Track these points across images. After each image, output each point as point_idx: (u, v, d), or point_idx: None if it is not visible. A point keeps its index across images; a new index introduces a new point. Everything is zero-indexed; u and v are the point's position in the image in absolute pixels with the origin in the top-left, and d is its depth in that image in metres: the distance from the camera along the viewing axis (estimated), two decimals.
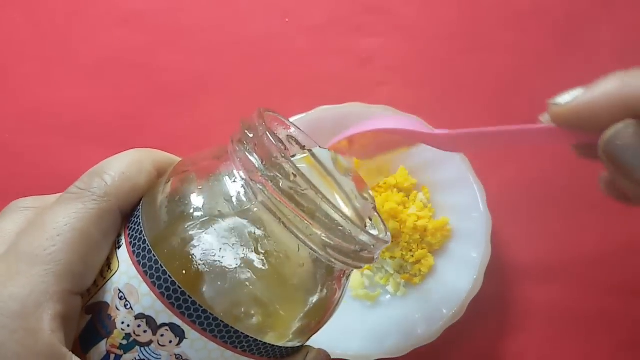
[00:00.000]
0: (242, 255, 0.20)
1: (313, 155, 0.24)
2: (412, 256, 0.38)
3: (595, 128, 0.21)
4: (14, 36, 0.46)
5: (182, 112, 0.44)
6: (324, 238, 0.20)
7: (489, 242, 0.37)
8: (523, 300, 0.39)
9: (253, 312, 0.20)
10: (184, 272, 0.19)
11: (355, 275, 0.38)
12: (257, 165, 0.20)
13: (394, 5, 0.47)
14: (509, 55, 0.46)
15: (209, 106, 0.44)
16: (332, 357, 0.35)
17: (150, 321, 0.19)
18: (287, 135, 0.25)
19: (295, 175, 0.20)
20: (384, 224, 0.25)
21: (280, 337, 0.22)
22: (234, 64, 0.45)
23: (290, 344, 0.22)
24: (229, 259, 0.20)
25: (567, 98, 0.22)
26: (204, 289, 0.20)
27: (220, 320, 0.20)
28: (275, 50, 0.46)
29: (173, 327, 0.19)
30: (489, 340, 0.38)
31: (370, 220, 0.25)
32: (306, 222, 0.20)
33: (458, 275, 0.37)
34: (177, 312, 0.19)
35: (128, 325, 0.20)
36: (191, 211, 0.20)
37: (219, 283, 0.20)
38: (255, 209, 0.20)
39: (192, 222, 0.20)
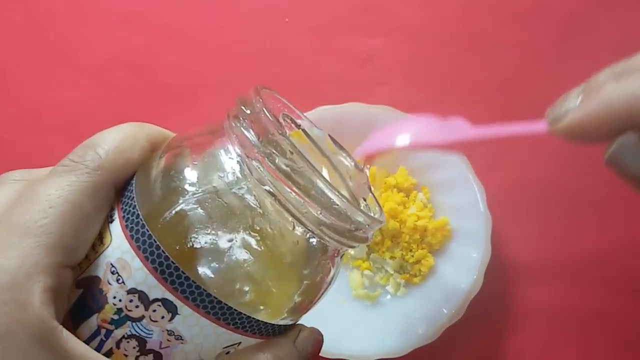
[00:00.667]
0: (237, 232, 0.20)
1: (306, 134, 0.24)
2: (412, 256, 0.38)
3: (597, 141, 0.21)
4: (14, 36, 0.46)
5: (182, 112, 0.44)
6: (319, 216, 0.20)
7: (489, 242, 0.37)
8: (523, 300, 0.39)
9: (247, 289, 0.20)
10: (177, 247, 0.19)
11: (355, 275, 0.38)
12: (253, 142, 0.20)
13: (394, 5, 0.47)
14: (509, 55, 0.46)
15: (209, 106, 0.44)
16: (332, 357, 0.35)
17: (142, 296, 0.19)
18: (282, 114, 0.24)
19: (292, 153, 0.19)
20: (379, 205, 0.25)
21: (273, 315, 0.21)
22: (234, 64, 0.45)
23: (282, 322, 0.22)
24: (223, 236, 0.19)
25: (562, 112, 0.21)
26: (197, 265, 0.19)
27: (214, 297, 0.19)
28: (275, 50, 0.46)
29: (165, 303, 0.19)
30: (489, 340, 0.38)
31: (365, 200, 0.25)
32: (302, 199, 0.19)
33: (458, 275, 0.37)
34: (169, 287, 0.19)
35: (120, 300, 0.19)
36: (185, 186, 0.20)
37: (213, 259, 0.19)
38: (251, 186, 0.20)
39: (187, 197, 0.20)
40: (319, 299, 0.23)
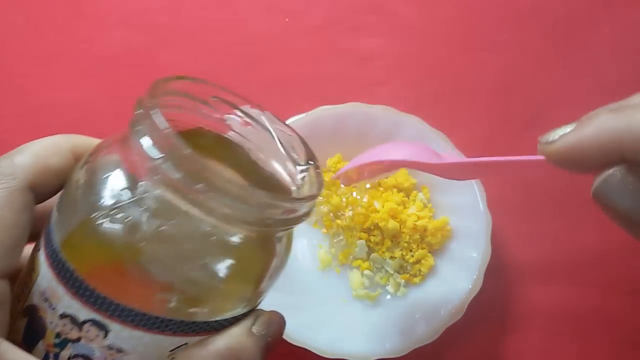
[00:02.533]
0: (150, 244, 0.19)
1: (245, 112, 0.24)
2: (412, 256, 0.38)
3: (587, 169, 0.21)
4: (14, 36, 0.46)
5: None
6: (229, 214, 0.19)
7: (489, 242, 0.37)
8: (523, 300, 0.39)
9: (169, 298, 0.20)
10: (91, 268, 0.19)
11: (355, 275, 0.38)
12: (147, 149, 0.19)
13: (393, 5, 0.47)
14: (509, 55, 0.46)
15: None
16: (332, 357, 0.35)
17: (73, 319, 0.19)
18: (212, 97, 0.23)
19: (190, 159, 0.18)
20: (319, 177, 0.23)
21: (213, 313, 0.21)
22: (234, 64, 0.45)
23: (230, 315, 0.21)
24: (136, 249, 0.19)
25: (556, 137, 0.21)
26: (113, 283, 0.19)
27: (139, 311, 0.19)
28: (275, 50, 0.46)
29: (95, 323, 0.19)
30: (489, 340, 0.38)
31: (305, 174, 0.23)
32: (208, 203, 0.19)
33: (458, 275, 0.37)
34: (93, 308, 0.19)
35: (56, 325, 0.20)
36: (92, 204, 0.19)
37: (129, 275, 0.19)
38: (156, 195, 0.19)
39: (94, 216, 0.19)
40: (269, 283, 0.22)
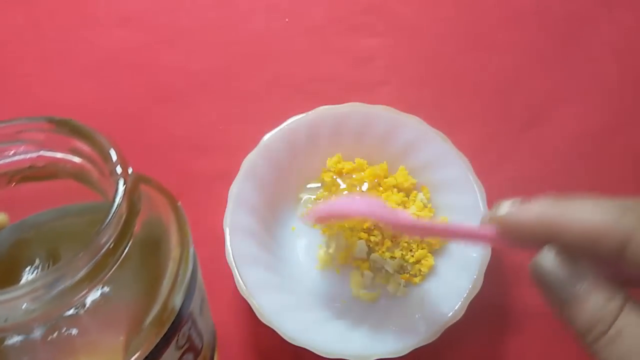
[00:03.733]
0: None
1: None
2: (412, 256, 0.38)
3: (522, 243, 0.24)
4: (14, 36, 0.46)
5: (182, 112, 0.44)
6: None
7: None
8: (523, 300, 0.39)
9: None
10: None
11: (355, 275, 0.38)
12: None
13: (393, 5, 0.47)
14: (509, 55, 0.46)
15: (209, 106, 0.44)
16: (332, 357, 0.35)
17: None
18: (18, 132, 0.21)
19: None
20: (126, 192, 0.19)
21: None
22: (234, 64, 0.45)
23: None
24: None
25: (505, 209, 0.25)
26: None
27: None
28: (275, 50, 0.46)
29: None
30: (489, 340, 0.38)
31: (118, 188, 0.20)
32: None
33: (458, 275, 0.37)
34: None
35: None
36: None
37: None
38: None
39: None
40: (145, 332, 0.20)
